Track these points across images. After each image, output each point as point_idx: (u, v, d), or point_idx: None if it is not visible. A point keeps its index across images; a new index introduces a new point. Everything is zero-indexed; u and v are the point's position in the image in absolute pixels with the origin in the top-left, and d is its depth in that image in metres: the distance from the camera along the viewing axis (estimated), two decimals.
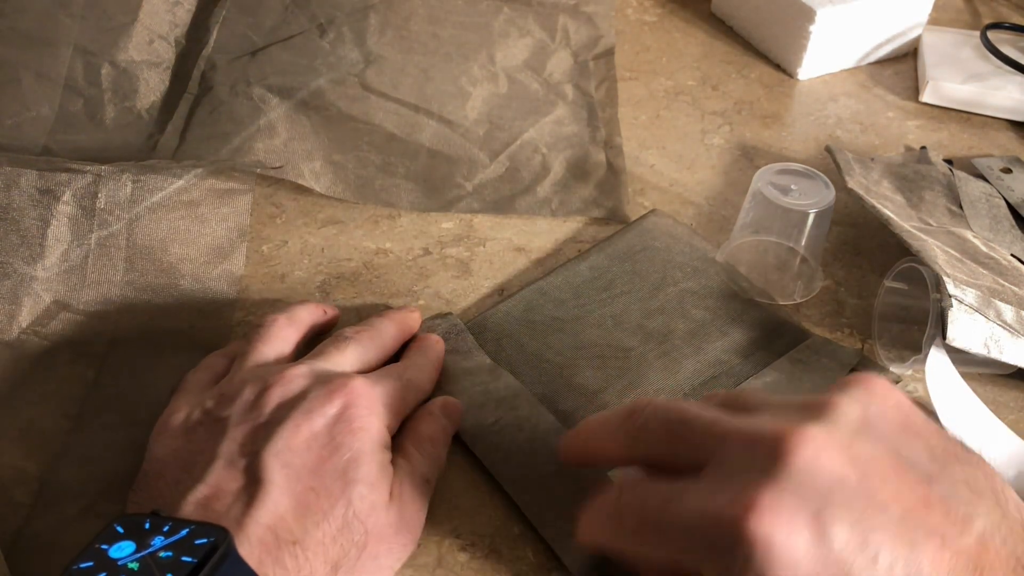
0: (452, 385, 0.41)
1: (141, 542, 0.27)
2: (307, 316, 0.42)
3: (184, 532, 0.28)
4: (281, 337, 0.39)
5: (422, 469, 0.36)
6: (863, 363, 0.43)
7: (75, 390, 0.40)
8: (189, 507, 0.30)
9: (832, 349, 0.43)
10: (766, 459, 0.26)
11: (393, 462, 0.35)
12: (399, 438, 0.37)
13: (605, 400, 0.41)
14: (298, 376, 0.35)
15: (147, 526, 0.28)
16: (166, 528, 0.28)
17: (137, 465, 0.35)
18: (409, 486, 0.35)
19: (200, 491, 0.31)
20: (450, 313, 0.45)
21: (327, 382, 0.35)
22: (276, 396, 0.34)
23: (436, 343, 0.42)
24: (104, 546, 0.27)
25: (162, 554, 0.27)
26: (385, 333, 0.41)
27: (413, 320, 0.43)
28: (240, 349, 0.39)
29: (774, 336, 0.44)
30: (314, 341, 0.41)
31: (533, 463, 0.37)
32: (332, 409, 0.34)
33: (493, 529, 0.36)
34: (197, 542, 0.27)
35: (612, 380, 0.42)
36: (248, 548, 0.29)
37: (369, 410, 0.34)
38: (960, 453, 0.28)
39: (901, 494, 0.26)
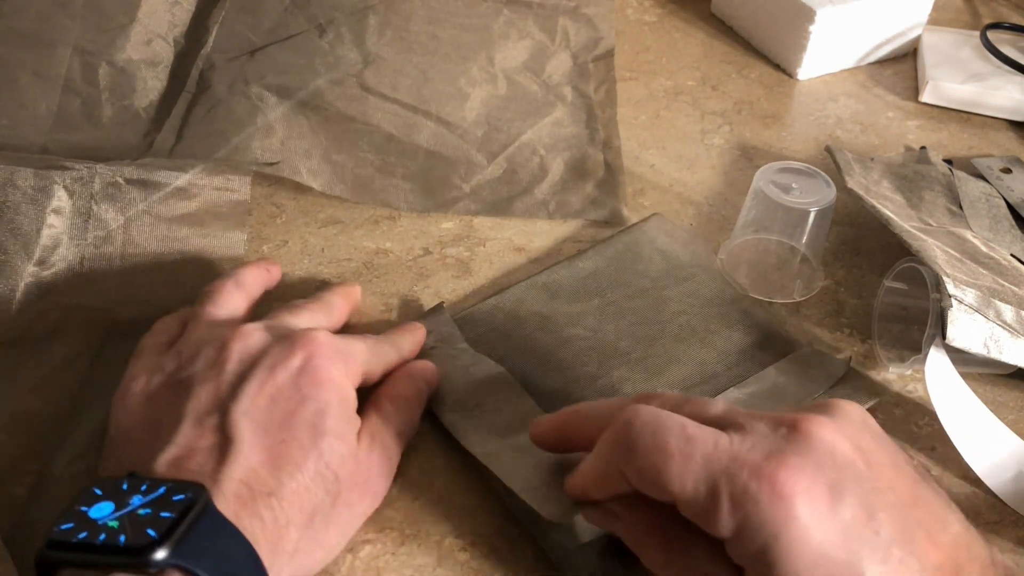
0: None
1: (120, 502, 0.28)
2: (253, 278, 0.42)
3: (162, 490, 0.28)
4: (231, 299, 0.40)
5: (396, 425, 0.37)
6: (851, 374, 0.42)
7: (72, 384, 0.40)
8: (161, 468, 0.31)
9: (821, 360, 0.43)
10: (789, 431, 0.28)
11: (367, 416, 0.36)
12: (375, 395, 0.38)
13: (581, 397, 0.41)
14: (255, 331, 0.36)
15: (124, 487, 0.29)
16: (143, 487, 0.28)
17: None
18: (381, 439, 0.36)
19: (170, 452, 0.31)
20: (441, 303, 0.45)
21: (288, 336, 0.35)
22: (236, 353, 0.35)
23: (415, 326, 0.42)
24: (84, 508, 0.28)
25: (141, 511, 0.28)
26: (333, 303, 0.42)
27: (356, 293, 0.44)
28: (191, 313, 0.39)
29: (764, 345, 0.44)
30: (263, 311, 0.41)
31: (510, 441, 0.37)
32: (295, 361, 0.34)
33: (493, 529, 0.36)
34: (175, 498, 0.28)
35: (593, 378, 0.42)
36: (224, 503, 0.29)
37: (331, 361, 0.35)
38: (929, 480, 0.30)
39: (897, 486, 0.28)
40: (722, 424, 0.29)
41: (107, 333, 0.43)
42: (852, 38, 0.63)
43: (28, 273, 0.42)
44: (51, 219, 0.44)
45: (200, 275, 0.45)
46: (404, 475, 0.38)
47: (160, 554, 0.26)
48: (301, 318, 0.39)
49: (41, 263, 0.43)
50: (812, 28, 0.61)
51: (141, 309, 0.44)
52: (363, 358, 0.37)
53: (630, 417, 0.29)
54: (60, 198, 0.44)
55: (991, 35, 0.63)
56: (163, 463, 0.31)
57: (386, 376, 0.39)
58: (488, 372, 0.40)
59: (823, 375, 0.42)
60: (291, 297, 0.45)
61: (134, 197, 0.46)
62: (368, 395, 0.38)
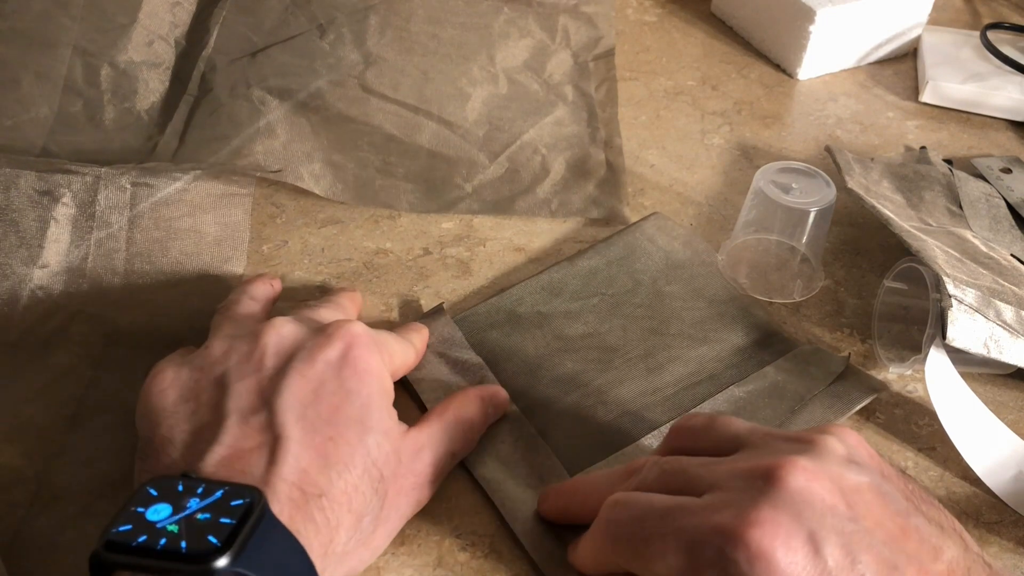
0: (440, 390, 0.41)
1: (177, 504, 0.27)
2: (262, 291, 0.41)
3: (219, 494, 0.28)
4: (248, 306, 0.39)
5: (452, 444, 0.36)
6: (850, 371, 0.42)
7: (73, 390, 0.40)
8: (210, 468, 0.30)
9: (820, 357, 0.43)
10: (763, 483, 0.28)
11: (429, 423, 0.36)
12: (443, 405, 0.37)
13: (581, 395, 0.41)
14: (287, 323, 0.35)
15: (180, 488, 0.28)
16: (200, 490, 0.28)
17: (134, 467, 0.35)
18: (434, 451, 0.35)
19: (218, 452, 0.30)
20: (441, 304, 0.45)
21: (323, 327, 0.35)
22: (272, 346, 0.34)
23: (418, 325, 0.42)
24: (140, 509, 0.27)
25: (200, 516, 0.27)
26: (343, 304, 0.42)
27: (358, 296, 0.44)
28: (212, 323, 0.39)
29: (764, 343, 0.44)
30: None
31: (508, 465, 0.38)
32: (334, 352, 0.33)
33: (493, 529, 0.36)
34: (233, 503, 0.27)
35: (592, 376, 0.42)
36: (278, 506, 0.29)
37: (370, 351, 0.34)
38: (925, 497, 0.30)
39: (883, 522, 0.28)
40: (739, 444, 0.30)
41: (109, 337, 0.42)
42: (852, 38, 0.63)
43: (30, 276, 0.42)
44: (54, 222, 0.44)
45: (202, 278, 0.45)
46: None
47: (222, 562, 0.25)
48: (322, 314, 0.38)
49: (43, 266, 0.43)
50: (812, 28, 0.61)
51: (143, 313, 0.44)
52: (395, 349, 0.37)
53: (609, 509, 0.31)
54: (64, 202, 0.44)
55: (991, 35, 0.63)
56: (212, 464, 0.30)
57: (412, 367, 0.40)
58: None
59: (822, 372, 0.42)
60: (291, 298, 0.45)
61: (138, 201, 0.46)
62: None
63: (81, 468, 0.37)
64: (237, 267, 0.46)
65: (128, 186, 0.46)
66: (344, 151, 0.53)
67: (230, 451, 0.30)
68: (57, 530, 0.35)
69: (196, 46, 0.56)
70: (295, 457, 0.30)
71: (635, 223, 0.50)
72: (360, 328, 0.35)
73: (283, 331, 0.35)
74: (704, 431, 0.33)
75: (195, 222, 0.47)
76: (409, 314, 0.45)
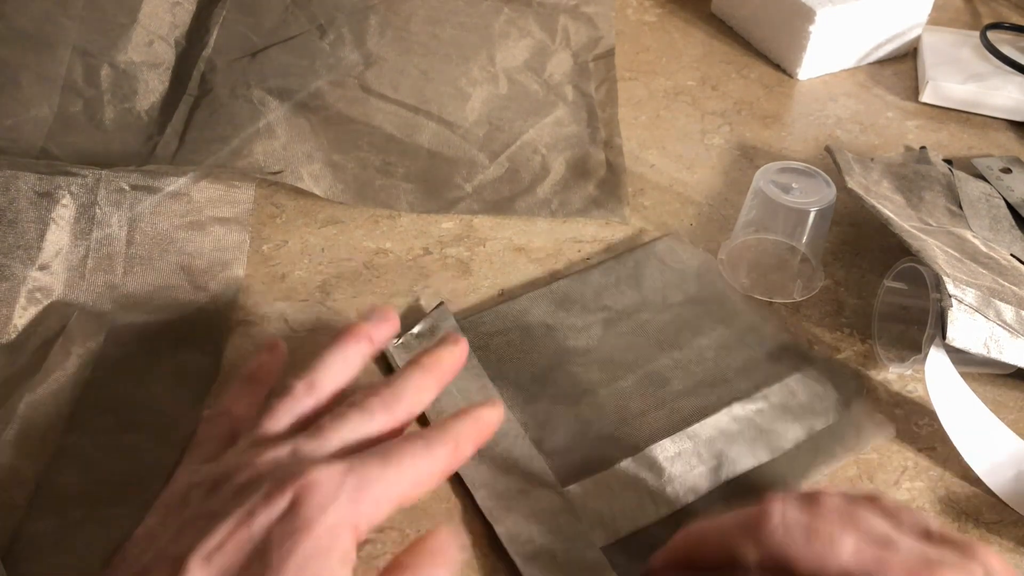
0: (441, 399, 0.40)
1: None
2: (331, 381, 0.35)
3: None
4: (294, 410, 0.34)
5: None
6: (862, 395, 0.42)
7: (72, 391, 0.40)
8: None
9: (832, 377, 0.42)
10: None
11: None
12: (393, 562, 0.31)
13: (584, 406, 0.41)
14: (266, 462, 0.31)
15: None
16: None
17: (134, 469, 0.35)
18: None
19: None
20: (442, 303, 0.44)
21: (283, 473, 0.30)
22: (237, 484, 0.30)
23: (486, 413, 0.35)
24: None
25: None
26: (407, 388, 0.34)
27: (451, 356, 0.36)
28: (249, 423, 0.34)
29: (773, 358, 0.43)
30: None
31: (502, 477, 0.38)
32: (277, 507, 0.29)
33: (493, 529, 0.36)
34: None
35: (597, 385, 0.42)
36: None
37: (321, 509, 0.29)
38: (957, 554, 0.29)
39: None
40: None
41: (108, 338, 0.42)
42: (852, 38, 0.63)
43: (29, 277, 0.42)
44: (54, 224, 0.44)
45: (203, 279, 0.45)
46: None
47: None
48: (340, 431, 0.32)
49: (43, 267, 0.43)
50: (812, 28, 0.61)
51: (143, 313, 0.44)
52: (388, 484, 0.31)
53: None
54: (63, 203, 0.44)
55: (991, 35, 0.63)
56: None
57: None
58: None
59: (833, 396, 0.42)
60: (291, 298, 0.45)
61: (137, 202, 0.46)
62: None
63: (80, 469, 0.37)
64: (237, 268, 0.46)
65: (127, 188, 0.46)
66: (344, 151, 0.53)
67: None
68: (56, 531, 0.35)
69: (196, 46, 0.56)
70: None
71: (647, 243, 0.50)
72: (323, 476, 0.29)
73: (258, 470, 0.30)
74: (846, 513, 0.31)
75: (195, 223, 0.47)
76: (409, 314, 0.45)
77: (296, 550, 0.28)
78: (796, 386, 0.42)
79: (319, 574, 0.28)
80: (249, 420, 0.34)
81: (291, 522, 0.28)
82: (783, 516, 0.30)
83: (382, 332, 0.37)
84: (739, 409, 0.40)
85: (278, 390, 0.34)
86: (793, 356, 0.44)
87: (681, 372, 0.43)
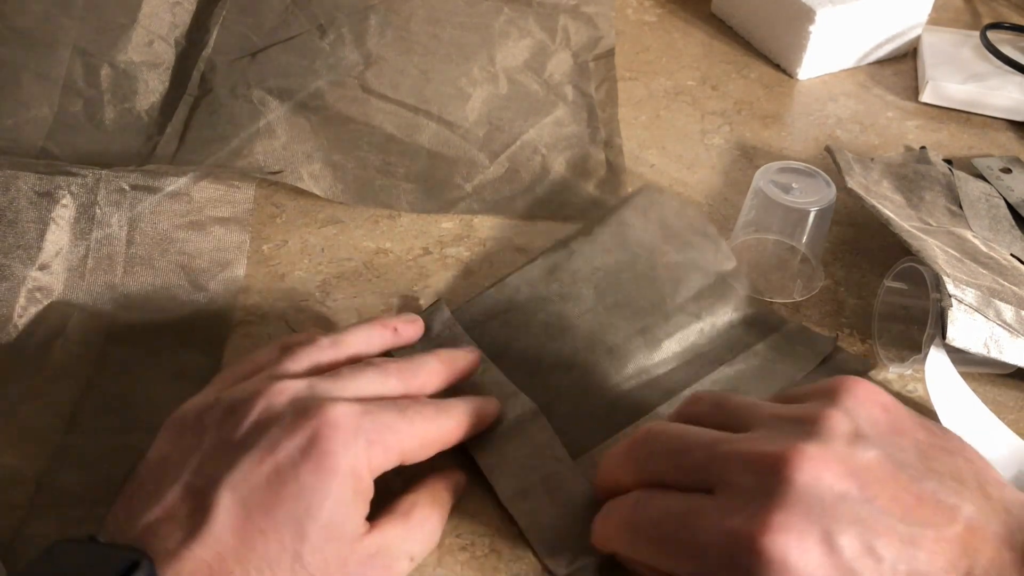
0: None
1: None
2: (354, 345, 0.37)
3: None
4: (315, 357, 0.35)
5: (411, 548, 0.33)
6: (837, 352, 0.44)
7: (72, 391, 0.40)
8: (138, 530, 0.29)
9: (807, 337, 0.44)
10: (771, 481, 0.28)
11: (388, 519, 0.33)
12: (407, 507, 0.34)
13: (580, 374, 0.42)
14: (285, 392, 0.32)
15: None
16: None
17: (133, 469, 0.35)
18: (386, 561, 0.32)
19: (155, 512, 0.29)
20: (439, 300, 0.44)
21: (303, 407, 0.31)
22: (256, 412, 0.31)
23: (488, 404, 0.38)
24: None
25: None
26: (424, 368, 0.36)
27: (463, 360, 0.38)
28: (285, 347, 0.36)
29: (752, 322, 0.45)
30: None
31: (508, 447, 0.38)
32: (298, 440, 0.30)
33: (493, 529, 0.36)
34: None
35: (591, 355, 0.42)
36: None
37: (344, 445, 0.30)
38: (943, 444, 0.30)
39: (897, 496, 0.28)
40: (706, 474, 0.30)
41: (108, 337, 0.42)
42: (852, 38, 0.63)
43: (30, 277, 0.42)
44: (54, 224, 0.44)
45: (202, 279, 0.45)
46: (404, 474, 0.36)
47: None
48: (357, 380, 0.34)
49: (42, 267, 0.43)
50: (812, 28, 0.61)
51: (143, 313, 0.44)
52: (400, 436, 0.32)
53: (631, 509, 0.32)
54: (63, 203, 0.44)
55: (991, 35, 0.63)
56: (144, 525, 0.29)
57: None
58: (492, 379, 0.40)
59: (811, 353, 0.43)
60: (289, 299, 0.45)
61: (137, 202, 0.46)
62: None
63: (81, 469, 0.37)
64: (238, 268, 0.46)
65: (127, 188, 0.46)
66: (344, 151, 0.53)
67: (164, 512, 0.29)
68: (56, 532, 0.35)
69: (196, 46, 0.56)
70: (215, 538, 0.28)
71: (626, 198, 0.50)
72: (342, 413, 0.31)
73: (275, 400, 0.32)
74: (714, 407, 0.33)
75: (195, 223, 0.47)
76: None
77: (319, 485, 0.29)
78: (776, 343, 0.43)
79: (339, 508, 0.30)
80: (271, 365, 0.35)
81: (316, 460, 0.30)
82: (649, 433, 0.32)
83: (408, 330, 0.40)
84: (726, 370, 0.42)
85: (303, 339, 0.36)
86: (772, 317, 0.45)
87: (672, 333, 0.43)
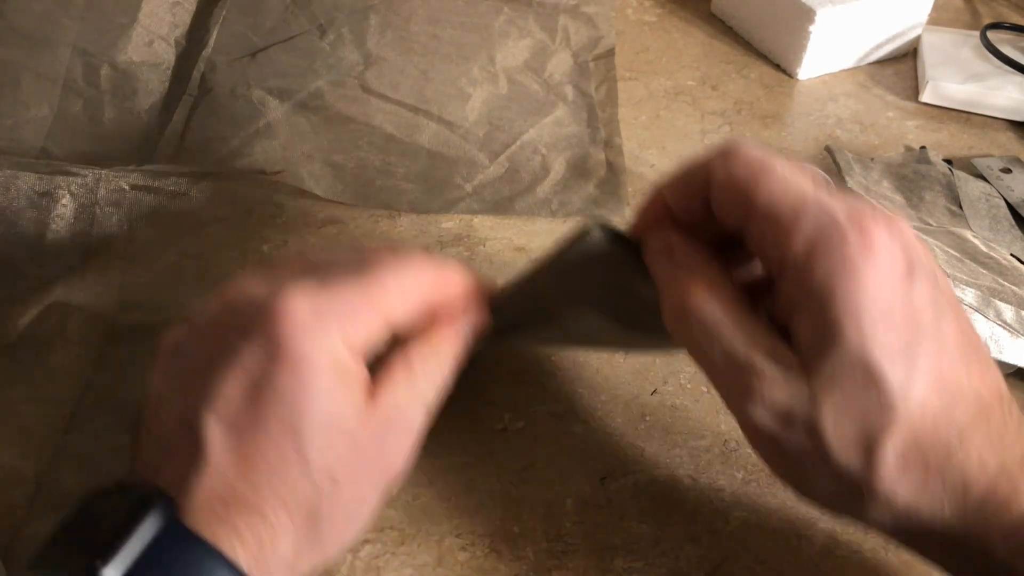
0: None
1: None
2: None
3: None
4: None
5: (420, 388, 0.31)
6: None
7: (72, 391, 0.40)
8: (151, 471, 0.28)
9: None
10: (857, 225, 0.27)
11: (389, 374, 0.30)
12: (402, 344, 0.31)
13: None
14: (244, 294, 0.30)
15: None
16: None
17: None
18: (400, 410, 0.30)
19: (159, 453, 0.29)
20: None
21: (258, 307, 0.29)
22: (220, 327, 0.29)
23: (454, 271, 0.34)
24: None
25: None
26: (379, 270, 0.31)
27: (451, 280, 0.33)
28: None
29: None
30: None
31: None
32: (262, 346, 0.28)
33: (493, 529, 0.36)
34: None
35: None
36: (196, 516, 0.27)
37: (309, 337, 0.28)
38: (955, 300, 0.30)
39: (959, 310, 0.28)
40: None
41: (108, 337, 0.42)
42: (852, 38, 0.63)
43: (30, 277, 0.43)
44: (54, 224, 0.44)
45: (202, 279, 0.45)
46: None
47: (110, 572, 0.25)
48: (329, 270, 0.31)
49: (43, 267, 0.43)
50: (812, 28, 0.61)
51: (143, 313, 0.44)
52: (372, 300, 0.29)
53: (731, 147, 0.29)
54: (63, 203, 0.44)
55: (991, 35, 0.63)
56: (153, 466, 0.28)
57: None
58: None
59: None
60: None
61: (137, 202, 0.46)
62: None
63: (81, 469, 0.37)
64: (238, 268, 0.46)
65: (127, 188, 0.46)
66: (344, 151, 0.53)
67: (164, 453, 0.29)
68: None
69: (196, 46, 0.56)
70: (215, 467, 0.27)
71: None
72: (295, 302, 0.28)
73: (237, 308, 0.29)
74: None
75: (194, 223, 0.47)
76: None
77: (299, 386, 0.28)
78: None
79: (329, 401, 0.28)
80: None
81: (282, 359, 0.27)
82: (738, 148, 0.29)
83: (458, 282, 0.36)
84: None
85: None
86: None
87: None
